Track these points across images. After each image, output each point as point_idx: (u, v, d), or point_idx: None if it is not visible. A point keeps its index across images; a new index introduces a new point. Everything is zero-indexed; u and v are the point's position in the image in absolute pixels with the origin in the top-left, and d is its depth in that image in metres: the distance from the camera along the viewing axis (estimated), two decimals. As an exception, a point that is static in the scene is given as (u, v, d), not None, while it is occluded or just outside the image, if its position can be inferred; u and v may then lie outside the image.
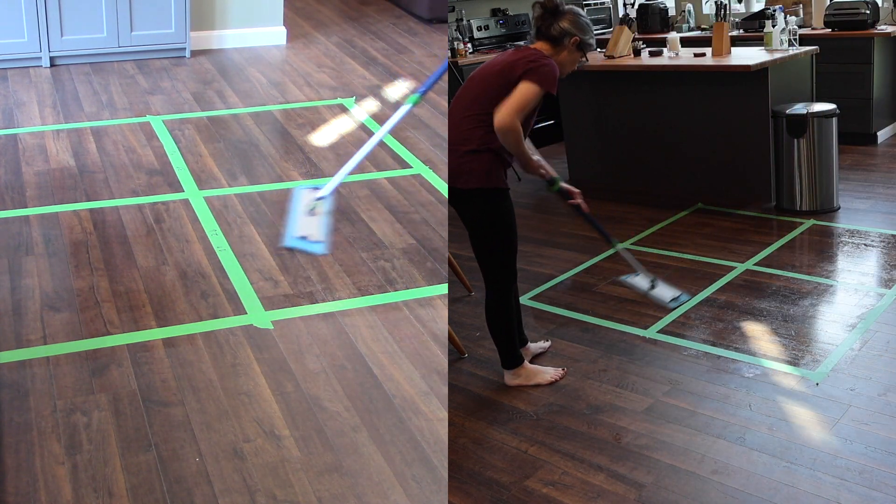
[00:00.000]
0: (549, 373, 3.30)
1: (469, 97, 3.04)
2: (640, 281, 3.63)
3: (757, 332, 3.53)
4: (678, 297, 3.57)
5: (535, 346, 3.51)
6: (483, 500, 2.58)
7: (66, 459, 2.41)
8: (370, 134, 4.72)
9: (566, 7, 3.06)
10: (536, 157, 3.15)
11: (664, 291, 3.59)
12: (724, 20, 6.22)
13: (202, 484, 2.35)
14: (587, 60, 3.22)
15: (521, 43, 2.97)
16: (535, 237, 4.96)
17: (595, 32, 3.20)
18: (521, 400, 3.15)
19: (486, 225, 3.07)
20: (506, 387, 3.25)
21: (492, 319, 3.22)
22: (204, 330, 3.04)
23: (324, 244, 3.57)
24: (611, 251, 4.57)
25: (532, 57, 2.93)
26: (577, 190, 3.30)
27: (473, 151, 2.98)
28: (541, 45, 3.04)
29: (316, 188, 3.82)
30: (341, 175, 3.74)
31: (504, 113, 2.86)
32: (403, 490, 2.37)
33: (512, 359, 3.27)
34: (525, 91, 2.87)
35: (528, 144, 3.08)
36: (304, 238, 3.57)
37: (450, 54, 6.93)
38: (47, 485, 2.32)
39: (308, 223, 3.65)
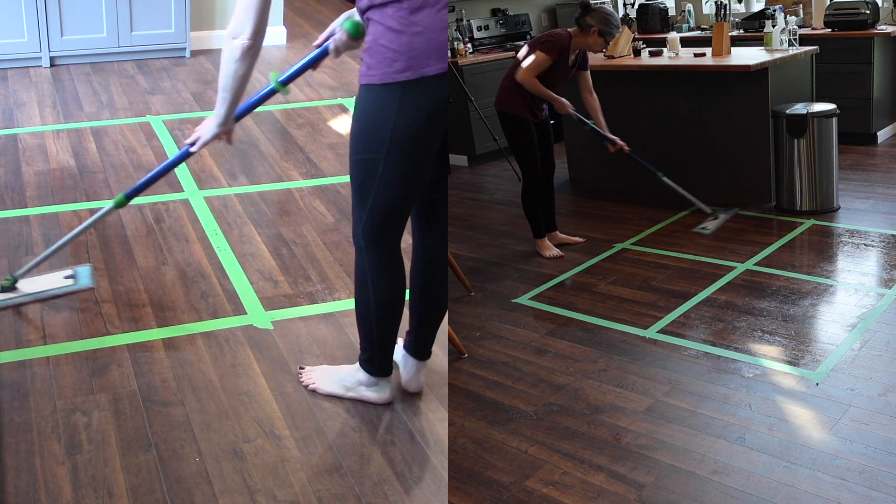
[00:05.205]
0: (552, 252, 4.56)
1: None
2: (712, 223, 4.85)
3: (757, 332, 3.53)
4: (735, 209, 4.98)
5: (564, 236, 4.77)
6: (483, 500, 2.58)
7: (66, 459, 2.41)
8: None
9: (596, 6, 4.32)
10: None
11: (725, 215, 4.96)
12: (724, 20, 6.23)
13: (202, 484, 2.35)
14: (608, 44, 4.46)
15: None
16: (535, 237, 4.94)
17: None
18: (521, 400, 3.15)
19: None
20: (506, 387, 3.26)
21: (525, 199, 4.54)
22: (204, 330, 3.04)
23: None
24: (612, 250, 4.59)
25: (546, 35, 4.34)
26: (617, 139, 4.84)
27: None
28: (575, 30, 4.34)
29: None
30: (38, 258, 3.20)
31: (521, 72, 4.32)
32: (403, 490, 2.37)
33: (537, 231, 4.60)
34: (535, 58, 4.30)
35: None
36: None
37: (449, 54, 6.92)
38: (47, 485, 2.32)
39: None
